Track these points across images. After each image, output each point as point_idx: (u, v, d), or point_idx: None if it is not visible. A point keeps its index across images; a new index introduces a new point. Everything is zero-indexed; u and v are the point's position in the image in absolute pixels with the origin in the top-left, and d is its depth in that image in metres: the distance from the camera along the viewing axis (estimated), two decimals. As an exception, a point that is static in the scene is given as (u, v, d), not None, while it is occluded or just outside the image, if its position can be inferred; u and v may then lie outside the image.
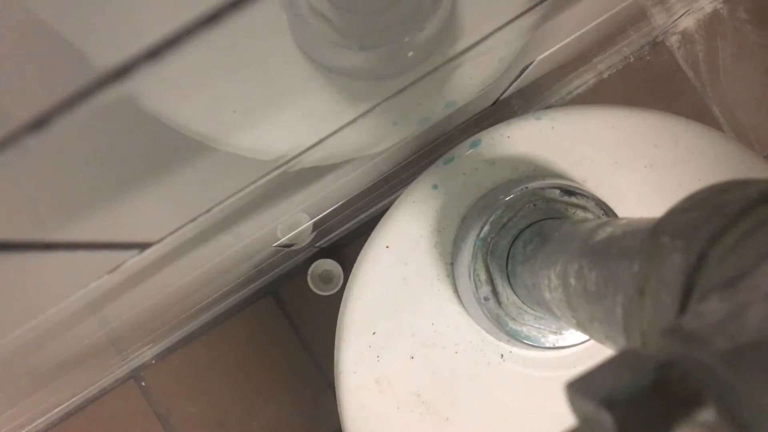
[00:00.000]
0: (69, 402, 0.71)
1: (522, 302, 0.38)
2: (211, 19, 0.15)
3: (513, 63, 0.37)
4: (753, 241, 0.16)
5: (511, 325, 0.38)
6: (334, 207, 0.50)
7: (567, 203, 0.39)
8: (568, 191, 0.39)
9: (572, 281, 0.26)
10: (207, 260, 0.38)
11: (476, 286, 0.39)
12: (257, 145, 0.25)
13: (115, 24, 0.15)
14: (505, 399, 0.43)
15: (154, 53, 0.14)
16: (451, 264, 0.43)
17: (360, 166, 0.40)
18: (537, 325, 0.38)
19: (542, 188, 0.39)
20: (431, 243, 0.43)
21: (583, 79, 0.76)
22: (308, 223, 0.50)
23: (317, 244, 0.69)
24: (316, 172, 0.34)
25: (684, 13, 0.74)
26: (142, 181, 0.22)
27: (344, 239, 0.76)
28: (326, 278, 0.75)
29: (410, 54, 0.25)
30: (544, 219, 0.38)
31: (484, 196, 0.43)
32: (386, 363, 0.43)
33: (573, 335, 0.38)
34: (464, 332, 0.43)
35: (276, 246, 0.50)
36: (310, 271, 0.73)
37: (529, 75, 0.46)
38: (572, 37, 0.42)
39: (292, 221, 0.44)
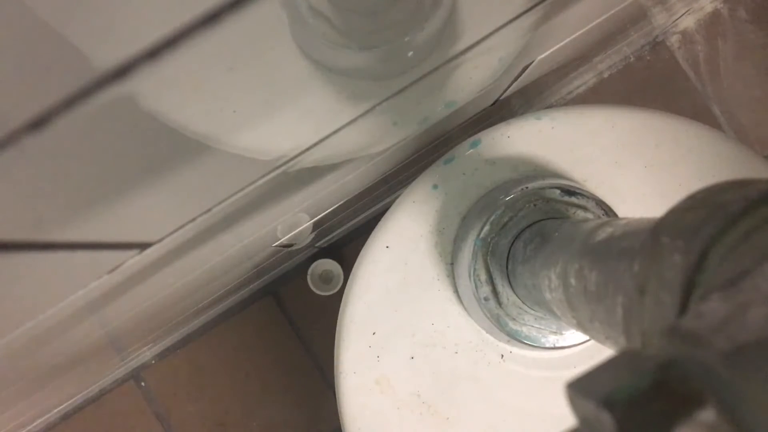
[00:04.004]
0: (69, 402, 0.71)
1: (522, 302, 0.38)
2: (211, 19, 0.15)
3: (513, 63, 0.37)
4: (753, 242, 0.16)
5: (511, 325, 0.38)
6: (334, 207, 0.50)
7: (567, 203, 0.39)
8: (569, 191, 0.39)
9: (572, 281, 0.26)
10: (207, 260, 0.38)
11: (476, 286, 0.39)
12: (257, 145, 0.25)
13: (115, 24, 0.15)
14: (505, 399, 0.43)
15: (154, 53, 0.14)
16: (451, 264, 0.43)
17: (360, 166, 0.40)
18: (537, 326, 0.38)
19: (542, 188, 0.39)
20: (431, 243, 0.43)
21: (583, 79, 0.76)
22: (308, 223, 0.50)
23: (317, 244, 0.69)
24: (316, 172, 0.34)
25: (684, 13, 0.74)
26: (142, 181, 0.22)
27: (344, 239, 0.76)
28: (326, 278, 0.75)
29: (410, 54, 0.25)
30: (545, 219, 0.38)
31: (484, 196, 0.43)
32: (386, 363, 0.43)
33: (573, 335, 0.38)
34: (464, 332, 0.43)
35: (276, 246, 0.50)
36: (310, 271, 0.73)
37: (529, 75, 0.46)
38: (572, 37, 0.42)
39: (292, 221, 0.44)
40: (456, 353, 0.43)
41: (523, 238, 0.38)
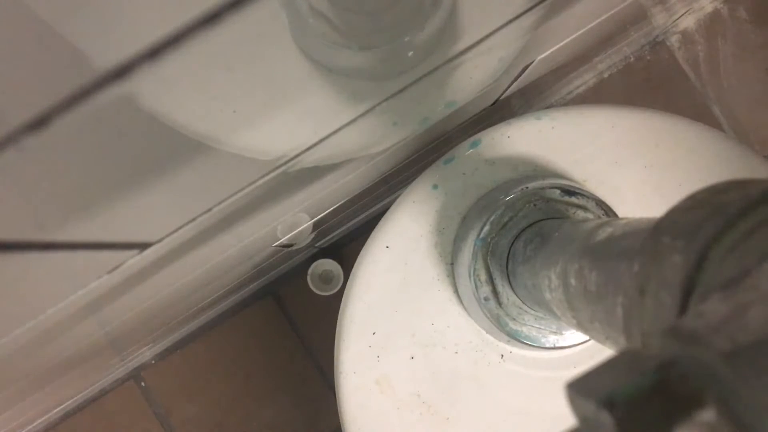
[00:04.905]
0: (69, 402, 0.71)
1: (522, 302, 0.38)
2: (211, 19, 0.15)
3: (513, 63, 0.37)
4: (753, 241, 0.16)
5: (512, 325, 0.38)
6: (334, 207, 0.50)
7: (567, 203, 0.39)
8: (569, 191, 0.39)
9: (572, 281, 0.26)
10: (207, 260, 0.38)
11: (476, 287, 0.39)
12: (257, 145, 0.25)
13: (115, 24, 0.15)
14: (505, 399, 0.43)
15: (154, 53, 0.14)
16: (451, 264, 0.43)
17: (360, 166, 0.40)
18: (537, 326, 0.38)
19: (542, 188, 0.39)
20: (431, 243, 0.43)
21: (583, 79, 0.76)
22: (308, 223, 0.50)
23: (317, 244, 0.69)
24: (316, 172, 0.34)
25: (684, 13, 0.74)
26: (142, 181, 0.21)
27: (344, 239, 0.76)
28: (326, 278, 0.75)
29: (410, 54, 0.25)
30: (545, 219, 0.38)
31: (484, 196, 0.43)
32: (386, 363, 0.43)
33: (573, 335, 0.38)
34: (464, 332, 0.43)
35: (276, 246, 0.50)
36: (310, 271, 0.73)
37: (529, 75, 0.46)
38: (572, 37, 0.42)
39: (292, 221, 0.44)
40: (456, 353, 0.43)
41: (523, 238, 0.38)
